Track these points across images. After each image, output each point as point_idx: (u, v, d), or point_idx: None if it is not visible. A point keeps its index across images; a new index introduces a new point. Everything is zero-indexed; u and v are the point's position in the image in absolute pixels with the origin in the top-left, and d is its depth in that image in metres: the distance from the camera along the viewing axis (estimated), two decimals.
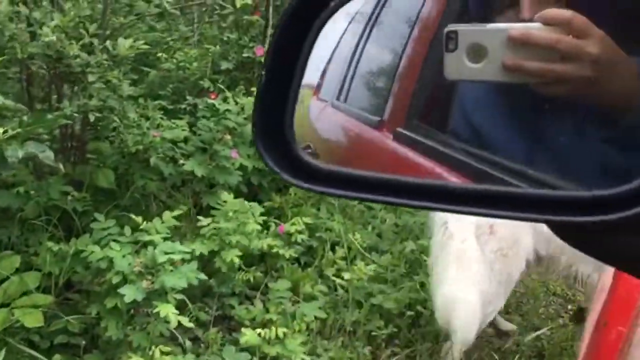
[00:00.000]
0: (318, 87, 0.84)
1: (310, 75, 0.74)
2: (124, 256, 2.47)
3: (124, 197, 3.00)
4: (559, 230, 0.57)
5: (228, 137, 2.84)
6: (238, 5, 3.21)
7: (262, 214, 2.94)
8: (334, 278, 3.02)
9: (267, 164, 0.70)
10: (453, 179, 0.68)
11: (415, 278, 3.06)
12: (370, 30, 0.83)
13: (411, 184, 0.65)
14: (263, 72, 0.68)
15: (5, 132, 1.71)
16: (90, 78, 2.36)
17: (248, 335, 2.56)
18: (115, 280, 2.40)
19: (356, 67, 0.88)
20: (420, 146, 0.78)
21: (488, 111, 0.69)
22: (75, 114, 2.35)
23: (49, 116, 1.94)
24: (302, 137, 0.77)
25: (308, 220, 3.05)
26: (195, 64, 3.48)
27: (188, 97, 3.29)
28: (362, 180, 0.68)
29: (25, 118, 1.78)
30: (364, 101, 0.93)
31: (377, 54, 0.92)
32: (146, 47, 3.00)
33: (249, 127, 2.93)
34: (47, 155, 1.85)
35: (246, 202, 2.92)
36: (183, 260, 2.46)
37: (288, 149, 0.70)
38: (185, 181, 2.99)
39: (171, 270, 2.38)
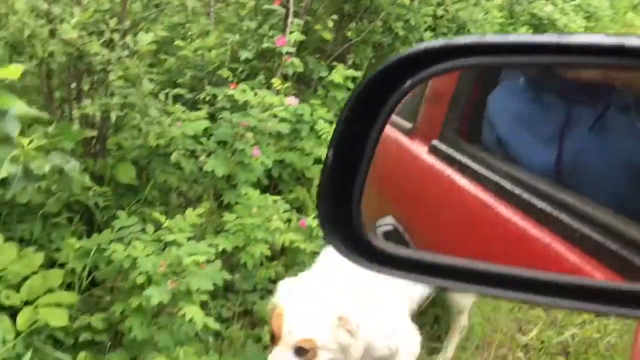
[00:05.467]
0: None
1: None
2: (147, 256, 2.45)
3: (144, 190, 2.97)
4: None
5: (250, 134, 2.78)
6: None
7: (285, 211, 2.90)
8: None
9: (337, 250, 0.66)
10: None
11: None
12: None
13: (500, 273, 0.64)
14: (329, 154, 0.64)
15: (30, 142, 1.67)
16: (112, 76, 2.30)
17: None
18: (140, 280, 2.39)
19: None
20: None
21: None
22: (97, 114, 2.31)
23: (75, 127, 1.89)
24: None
25: None
26: (213, 52, 3.40)
27: (207, 87, 3.23)
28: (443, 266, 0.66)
29: (49, 129, 1.74)
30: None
31: None
32: (165, 34, 2.94)
33: (269, 124, 2.87)
34: (72, 167, 1.82)
35: (270, 197, 2.88)
36: (207, 261, 2.44)
37: (357, 232, 0.67)
38: (207, 174, 2.95)
39: (196, 272, 2.36)
